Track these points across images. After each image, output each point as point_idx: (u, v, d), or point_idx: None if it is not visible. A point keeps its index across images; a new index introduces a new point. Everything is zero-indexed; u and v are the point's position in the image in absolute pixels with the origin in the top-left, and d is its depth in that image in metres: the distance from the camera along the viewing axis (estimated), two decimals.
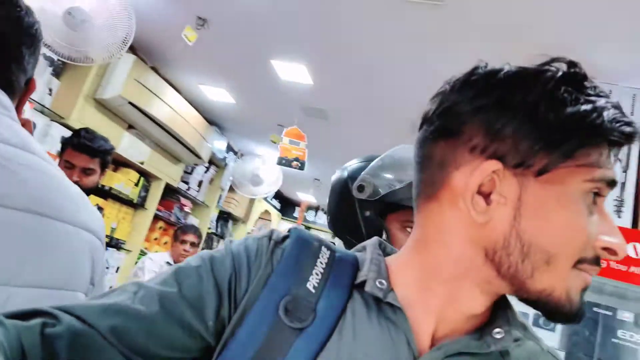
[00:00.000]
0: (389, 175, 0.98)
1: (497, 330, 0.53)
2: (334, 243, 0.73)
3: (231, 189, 5.70)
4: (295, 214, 7.90)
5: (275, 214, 7.60)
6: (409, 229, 0.99)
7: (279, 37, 2.90)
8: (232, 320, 0.53)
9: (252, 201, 6.46)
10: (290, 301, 0.53)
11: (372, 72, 2.99)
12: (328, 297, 0.54)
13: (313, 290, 0.54)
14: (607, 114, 0.48)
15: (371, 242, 0.63)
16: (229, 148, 5.44)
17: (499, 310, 0.56)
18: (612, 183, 0.50)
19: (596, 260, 0.50)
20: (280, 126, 4.36)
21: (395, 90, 3.13)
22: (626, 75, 2.26)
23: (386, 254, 0.62)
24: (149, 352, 0.50)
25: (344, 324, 0.53)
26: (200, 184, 5.35)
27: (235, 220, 6.48)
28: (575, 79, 0.49)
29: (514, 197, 0.49)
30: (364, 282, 0.55)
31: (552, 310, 0.50)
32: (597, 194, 0.50)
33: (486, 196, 0.50)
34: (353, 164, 1.10)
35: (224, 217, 6.25)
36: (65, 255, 0.73)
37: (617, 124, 0.48)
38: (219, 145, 5.13)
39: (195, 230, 3.30)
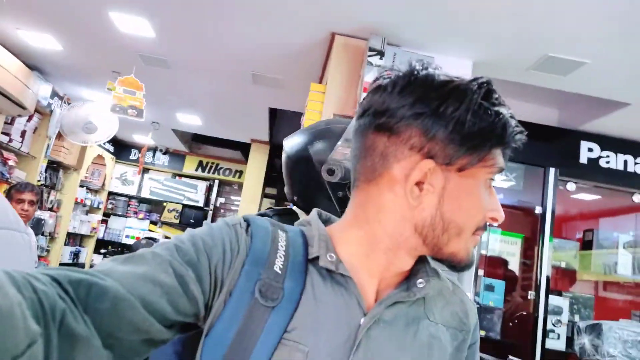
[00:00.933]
0: None
1: (419, 281, 0.68)
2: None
3: (59, 137, 5.34)
4: (132, 157, 7.67)
5: (109, 158, 7.29)
6: None
7: None
8: (216, 300, 0.61)
9: (84, 148, 6.12)
10: (263, 284, 0.61)
11: (213, 24, 3.12)
12: (291, 275, 0.63)
13: (279, 272, 0.63)
14: (510, 127, 0.63)
15: (313, 217, 0.72)
16: (54, 94, 5.04)
17: (419, 264, 0.70)
18: (500, 170, 0.66)
19: (485, 227, 0.67)
20: (116, 73, 4.24)
21: (233, 41, 3.33)
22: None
23: (326, 222, 0.74)
24: (164, 315, 0.56)
25: (306, 295, 0.63)
26: (23, 134, 4.91)
27: (67, 168, 6.11)
28: (489, 94, 0.63)
29: (440, 187, 0.63)
30: (317, 257, 0.65)
31: (455, 265, 0.66)
32: (491, 179, 0.67)
33: (419, 185, 0.64)
34: (310, 139, 1.07)
35: (54, 166, 5.85)
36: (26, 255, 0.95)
37: (516, 135, 0.65)
38: (42, 91, 4.73)
39: (33, 188, 3.19)
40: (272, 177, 6.24)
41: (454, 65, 2.92)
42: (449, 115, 0.61)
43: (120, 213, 7.66)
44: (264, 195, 6.25)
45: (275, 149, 6.10)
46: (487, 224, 0.67)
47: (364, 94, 0.69)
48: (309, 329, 0.61)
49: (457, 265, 0.66)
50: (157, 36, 3.39)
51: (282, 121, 5.07)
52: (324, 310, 0.63)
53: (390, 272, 0.68)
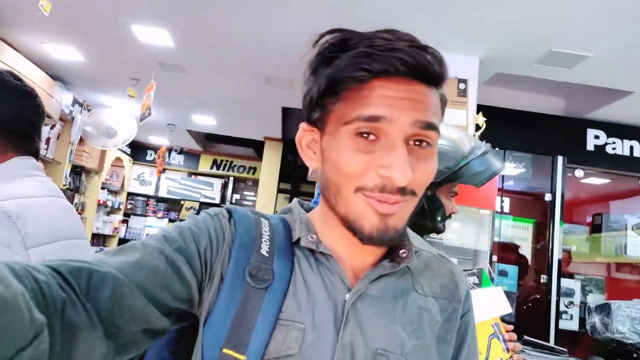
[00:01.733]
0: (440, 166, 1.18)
1: (402, 251, 0.67)
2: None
3: (81, 142, 5.54)
4: (148, 158, 7.88)
5: (127, 160, 7.51)
6: (452, 197, 1.36)
7: (142, 4, 3.03)
8: (208, 287, 0.62)
9: (104, 151, 6.33)
10: (253, 268, 0.62)
11: (229, 30, 3.26)
12: (279, 258, 0.65)
13: (267, 255, 0.64)
14: (341, 62, 0.58)
15: (295, 205, 0.74)
16: (75, 101, 5.23)
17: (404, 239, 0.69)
18: (370, 118, 0.57)
19: (379, 188, 0.58)
20: (135, 79, 4.42)
21: (247, 45, 3.47)
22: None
23: (307, 210, 0.75)
24: (162, 301, 0.56)
25: (295, 275, 0.64)
26: (48, 141, 5.12)
27: (89, 172, 6.32)
28: (337, 45, 0.60)
29: (319, 147, 0.65)
30: (299, 239, 0.67)
31: (356, 231, 0.61)
32: (370, 134, 0.58)
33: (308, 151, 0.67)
34: None
35: (77, 170, 6.06)
36: None
37: (356, 62, 0.57)
38: (65, 100, 4.92)
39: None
40: (286, 172, 6.39)
41: (461, 62, 3.04)
42: (313, 68, 0.63)
43: (139, 213, 7.88)
44: (279, 190, 6.42)
45: (288, 145, 6.25)
46: (382, 185, 0.58)
47: None
48: (302, 307, 0.62)
49: (357, 231, 0.61)
50: (175, 45, 3.55)
51: (294, 118, 5.22)
52: (312, 289, 0.64)
53: (368, 248, 0.65)
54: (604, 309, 2.25)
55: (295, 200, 0.76)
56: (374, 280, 0.66)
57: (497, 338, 1.29)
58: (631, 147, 3.77)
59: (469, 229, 2.86)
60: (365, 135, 0.58)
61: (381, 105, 0.57)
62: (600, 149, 3.77)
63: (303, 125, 0.67)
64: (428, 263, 0.73)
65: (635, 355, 2.35)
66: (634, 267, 4.15)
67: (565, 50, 2.84)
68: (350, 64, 0.57)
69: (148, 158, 7.88)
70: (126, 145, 7.28)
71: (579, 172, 3.83)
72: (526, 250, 4.01)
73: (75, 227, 1.15)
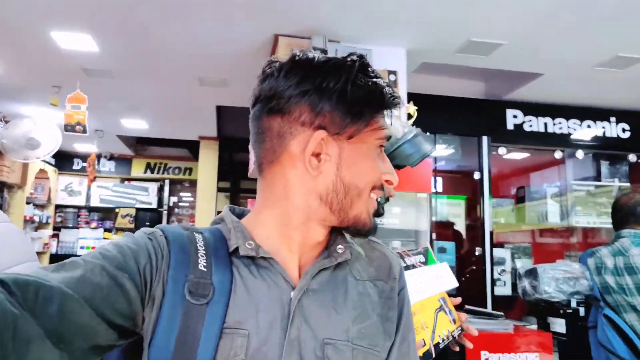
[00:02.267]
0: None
1: (339, 247, 0.73)
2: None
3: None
4: (75, 167, 7.49)
5: (52, 170, 7.11)
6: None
7: (61, 9, 2.89)
8: (149, 306, 0.62)
9: (26, 164, 5.95)
10: (192, 284, 0.63)
11: (158, 32, 3.19)
12: (217, 270, 0.66)
13: (205, 269, 0.65)
14: (386, 94, 0.70)
15: (226, 214, 0.75)
16: None
17: (336, 234, 0.75)
18: (388, 138, 0.88)
19: (381, 187, 0.73)
20: (57, 87, 4.20)
21: (179, 48, 3.42)
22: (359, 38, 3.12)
23: (239, 215, 0.76)
24: (108, 317, 0.57)
25: (236, 285, 0.65)
26: None
27: (11, 187, 5.93)
28: (364, 67, 0.69)
29: (336, 155, 0.68)
30: (237, 248, 0.68)
31: (359, 229, 0.72)
32: (381, 146, 0.73)
33: (317, 156, 0.68)
34: None
35: None
36: None
37: (393, 99, 0.71)
38: None
39: None
40: (224, 171, 6.34)
41: (389, 54, 3.18)
42: (332, 88, 0.66)
43: (71, 225, 7.51)
44: (219, 189, 6.36)
45: (224, 143, 6.20)
46: (382, 185, 0.73)
47: None
48: (245, 314, 0.64)
49: (361, 230, 0.72)
50: (101, 50, 3.43)
51: (229, 116, 5.19)
52: (256, 294, 0.65)
53: (308, 245, 0.72)
54: (532, 274, 2.49)
55: (225, 207, 0.77)
56: (314, 276, 0.70)
57: (443, 311, 1.38)
58: (545, 124, 4.12)
59: (409, 212, 3.04)
60: (380, 147, 0.73)
61: (388, 129, 0.75)
62: (518, 127, 4.10)
63: (320, 134, 0.67)
64: (360, 252, 0.78)
65: (561, 311, 2.62)
66: (554, 232, 4.56)
67: (482, 40, 3.06)
68: (389, 99, 0.71)
69: (75, 167, 7.50)
70: (50, 157, 6.89)
71: (502, 150, 4.14)
72: (460, 225, 4.29)
73: (28, 250, 1.14)
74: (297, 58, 0.69)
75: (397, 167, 1.56)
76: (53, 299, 0.51)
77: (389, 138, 0.76)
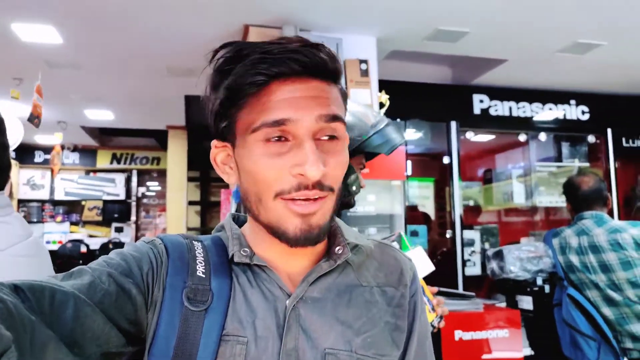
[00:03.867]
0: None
1: (337, 248, 0.68)
2: None
3: None
4: (37, 159, 7.26)
5: (12, 164, 6.84)
6: (360, 169, 1.46)
7: (22, 1, 2.79)
8: (152, 312, 0.61)
9: None
10: (190, 291, 0.62)
11: (124, 22, 3.12)
12: (216, 276, 0.65)
13: (203, 276, 0.64)
14: (238, 70, 0.58)
15: (227, 221, 0.73)
16: None
17: (334, 237, 0.70)
18: (276, 123, 0.58)
19: (295, 188, 0.59)
20: (18, 79, 4.05)
21: (146, 38, 3.36)
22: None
23: (241, 223, 0.75)
24: (118, 323, 0.57)
25: (235, 292, 0.64)
26: None
27: None
28: (232, 58, 0.60)
29: (234, 165, 0.66)
30: (234, 256, 0.66)
31: (281, 236, 0.62)
32: (281, 138, 0.59)
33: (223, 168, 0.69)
34: None
35: None
36: None
37: (252, 68, 0.58)
38: None
39: None
40: (194, 160, 6.28)
41: (360, 42, 3.21)
42: (210, 94, 0.65)
43: (35, 220, 7.30)
44: (189, 179, 6.30)
45: (193, 132, 6.12)
46: (299, 183, 0.59)
47: None
48: (244, 322, 0.62)
49: (282, 237, 0.62)
50: (64, 41, 3.32)
51: (199, 105, 5.12)
52: (254, 302, 0.64)
53: (295, 250, 0.64)
54: (499, 255, 2.62)
55: (228, 215, 0.75)
56: (313, 283, 0.66)
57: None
58: (510, 108, 4.26)
59: (383, 198, 3.11)
60: (274, 139, 0.59)
61: (283, 107, 0.58)
62: (485, 111, 4.22)
63: (214, 143, 0.67)
64: (370, 254, 0.73)
65: (528, 289, 2.77)
66: (519, 212, 4.75)
67: (449, 28, 3.13)
68: (247, 70, 0.58)
69: (37, 160, 7.27)
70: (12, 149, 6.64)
71: (469, 134, 4.27)
72: (430, 207, 4.42)
73: (43, 267, 1.06)
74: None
75: (371, 155, 1.61)
76: (68, 304, 0.51)
77: (278, 123, 0.58)
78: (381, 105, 2.82)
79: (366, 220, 2.95)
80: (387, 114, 2.19)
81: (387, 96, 2.78)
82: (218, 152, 0.68)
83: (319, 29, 3.10)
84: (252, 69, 0.58)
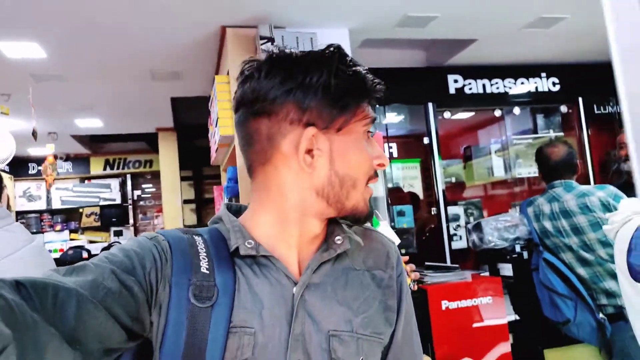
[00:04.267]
0: None
1: (337, 238, 0.73)
2: None
3: None
4: (31, 171, 7.36)
5: (7, 177, 6.96)
6: None
7: (6, 20, 2.90)
8: (155, 311, 0.63)
9: None
10: (196, 288, 0.64)
11: (106, 32, 3.23)
12: (220, 272, 0.66)
13: (207, 272, 0.65)
14: (368, 81, 0.70)
15: (224, 213, 0.75)
16: None
17: (332, 225, 0.75)
18: (374, 120, 0.72)
19: (376, 174, 0.72)
20: (5, 95, 4.16)
21: (128, 45, 3.47)
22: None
23: (237, 212, 0.77)
24: (121, 320, 0.57)
25: (239, 284, 0.66)
26: None
27: None
28: (343, 57, 0.68)
29: (327, 149, 0.68)
30: (237, 248, 0.68)
31: (358, 217, 0.72)
32: (368, 132, 0.72)
33: (309, 152, 0.68)
34: None
35: None
36: None
37: (375, 86, 0.71)
38: None
39: None
40: (185, 160, 6.41)
41: (333, 35, 3.34)
42: (316, 83, 0.66)
43: (34, 230, 7.42)
44: (181, 178, 6.44)
45: (182, 133, 6.25)
46: (376, 171, 0.72)
47: None
48: (250, 312, 0.65)
49: (359, 218, 0.72)
50: (48, 56, 3.44)
51: (185, 106, 5.24)
52: (259, 292, 0.66)
53: (306, 239, 0.72)
54: (478, 227, 2.79)
55: (223, 206, 0.77)
56: (315, 270, 0.71)
57: None
58: (483, 85, 4.41)
59: None
60: (370, 134, 0.73)
61: (373, 112, 0.73)
62: (460, 90, 4.36)
63: (311, 131, 0.67)
64: (359, 241, 0.77)
65: (507, 257, 2.95)
66: (501, 184, 4.93)
67: (417, 14, 3.27)
68: (376, 84, 0.72)
69: (31, 172, 7.37)
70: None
71: (447, 114, 4.42)
72: (418, 187, 4.58)
73: (47, 268, 1.16)
74: (274, 56, 0.69)
75: None
76: (71, 301, 0.52)
77: (374, 120, 0.74)
78: None
79: None
80: None
81: None
82: (309, 141, 0.68)
83: (293, 26, 3.23)
84: (374, 84, 0.72)
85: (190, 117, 5.56)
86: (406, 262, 1.72)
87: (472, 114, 4.80)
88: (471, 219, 4.41)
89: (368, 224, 0.83)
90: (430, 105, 4.26)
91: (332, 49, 0.69)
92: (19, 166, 7.22)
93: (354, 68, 0.69)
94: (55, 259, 7.03)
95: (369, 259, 0.78)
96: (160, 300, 0.63)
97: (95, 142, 7.14)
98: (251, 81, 0.69)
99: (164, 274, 0.64)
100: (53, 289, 0.51)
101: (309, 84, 0.66)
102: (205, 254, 0.67)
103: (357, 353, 0.69)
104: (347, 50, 3.36)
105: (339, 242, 0.73)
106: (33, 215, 7.43)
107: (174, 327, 0.62)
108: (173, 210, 6.20)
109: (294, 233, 0.71)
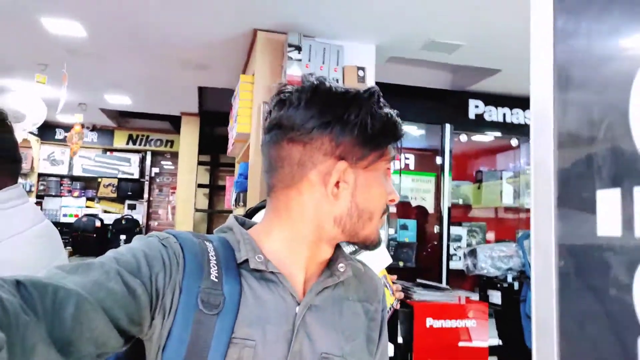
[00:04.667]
0: None
1: (340, 265, 0.77)
2: None
3: None
4: (58, 136, 7.62)
5: (34, 140, 7.25)
6: None
7: None
8: (159, 314, 0.63)
9: None
10: (205, 295, 0.65)
11: (143, 18, 3.39)
12: (228, 281, 0.67)
13: (216, 280, 0.67)
14: (399, 124, 0.75)
15: (234, 224, 0.77)
16: None
17: (338, 251, 0.79)
18: (394, 158, 0.77)
19: (388, 208, 0.77)
20: (42, 65, 4.36)
21: (163, 33, 3.62)
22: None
23: (243, 225, 0.79)
24: (119, 323, 0.58)
25: (245, 296, 0.68)
26: None
27: None
28: (379, 98, 0.73)
29: (352, 182, 0.72)
30: (246, 260, 0.70)
31: (369, 245, 0.76)
32: (387, 168, 0.77)
33: (336, 184, 0.71)
34: None
35: None
36: None
37: (401, 131, 0.75)
38: None
39: None
40: (204, 145, 6.57)
41: (360, 49, 3.44)
42: (353, 120, 0.70)
43: (53, 193, 7.68)
44: (199, 162, 6.61)
45: (205, 119, 6.42)
46: (388, 205, 0.77)
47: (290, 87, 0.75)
48: (253, 326, 0.66)
49: (369, 246, 0.76)
50: (88, 35, 3.61)
51: (210, 95, 5.40)
52: (263, 306, 0.68)
53: (314, 262, 0.76)
54: (473, 253, 2.88)
55: (231, 217, 0.79)
56: (318, 293, 0.74)
57: (386, 287, 1.72)
58: (504, 114, 4.47)
59: None
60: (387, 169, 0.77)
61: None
62: (479, 116, 4.43)
63: (342, 165, 0.71)
64: (356, 272, 0.82)
65: (498, 285, 3.04)
66: (508, 211, 4.99)
67: (443, 41, 3.35)
68: (399, 129, 0.76)
69: (57, 137, 7.63)
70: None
71: (463, 137, 4.49)
72: (430, 201, 4.66)
73: (60, 252, 1.17)
74: (315, 87, 0.72)
75: None
76: (70, 303, 0.52)
77: (394, 158, 0.80)
78: None
79: None
80: None
81: None
82: (339, 174, 0.72)
83: (321, 36, 3.34)
84: (399, 132, 0.76)
85: (214, 105, 5.73)
86: (393, 282, 1.81)
87: (490, 139, 4.87)
88: (473, 241, 4.49)
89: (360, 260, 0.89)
90: (447, 126, 4.34)
91: (371, 90, 0.73)
92: (47, 130, 7.48)
93: (386, 110, 0.73)
94: (69, 224, 7.31)
95: (360, 290, 0.81)
96: (165, 305, 0.64)
97: (122, 117, 7.36)
98: (290, 107, 0.72)
99: (173, 278, 0.65)
100: (53, 289, 0.52)
101: (347, 120, 0.70)
102: (215, 262, 0.69)
103: None
104: (372, 66, 3.48)
105: (342, 269, 0.77)
106: (54, 179, 7.69)
107: (179, 331, 0.63)
108: (187, 191, 6.38)
109: (304, 254, 0.75)
